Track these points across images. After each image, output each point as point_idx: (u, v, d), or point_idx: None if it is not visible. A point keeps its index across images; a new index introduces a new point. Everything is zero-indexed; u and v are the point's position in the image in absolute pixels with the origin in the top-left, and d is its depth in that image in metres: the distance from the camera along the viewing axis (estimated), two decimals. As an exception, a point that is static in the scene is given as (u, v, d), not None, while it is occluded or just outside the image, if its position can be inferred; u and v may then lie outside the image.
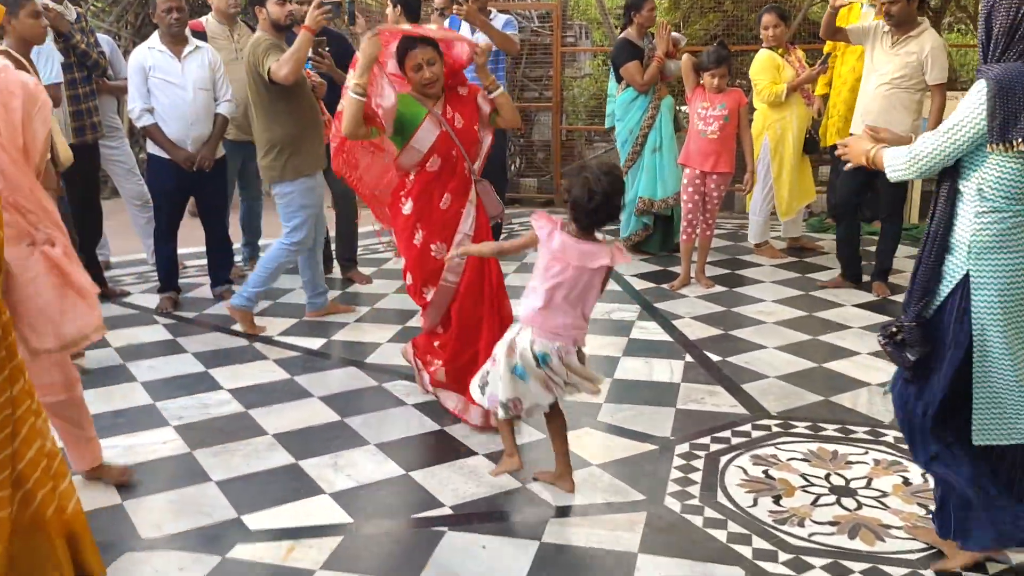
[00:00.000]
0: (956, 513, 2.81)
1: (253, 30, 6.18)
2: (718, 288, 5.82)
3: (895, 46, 5.34)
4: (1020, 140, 2.43)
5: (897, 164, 2.69)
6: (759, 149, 6.38)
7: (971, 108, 2.51)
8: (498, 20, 6.21)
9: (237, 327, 5.12)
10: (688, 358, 4.63)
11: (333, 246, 6.18)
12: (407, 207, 3.81)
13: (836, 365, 4.52)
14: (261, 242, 6.49)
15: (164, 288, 5.60)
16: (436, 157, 3.73)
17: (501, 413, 3.24)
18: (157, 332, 5.16)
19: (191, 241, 6.25)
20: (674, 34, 6.46)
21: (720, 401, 4.11)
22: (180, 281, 5.75)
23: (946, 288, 2.65)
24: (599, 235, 3.12)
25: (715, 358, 4.62)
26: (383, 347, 4.86)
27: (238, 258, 6.25)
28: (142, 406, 4.11)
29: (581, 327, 3.20)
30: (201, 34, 5.69)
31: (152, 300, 5.64)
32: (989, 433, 2.65)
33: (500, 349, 3.22)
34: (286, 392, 4.27)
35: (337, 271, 6.18)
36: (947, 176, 2.64)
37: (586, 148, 9.89)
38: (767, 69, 6.29)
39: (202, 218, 5.64)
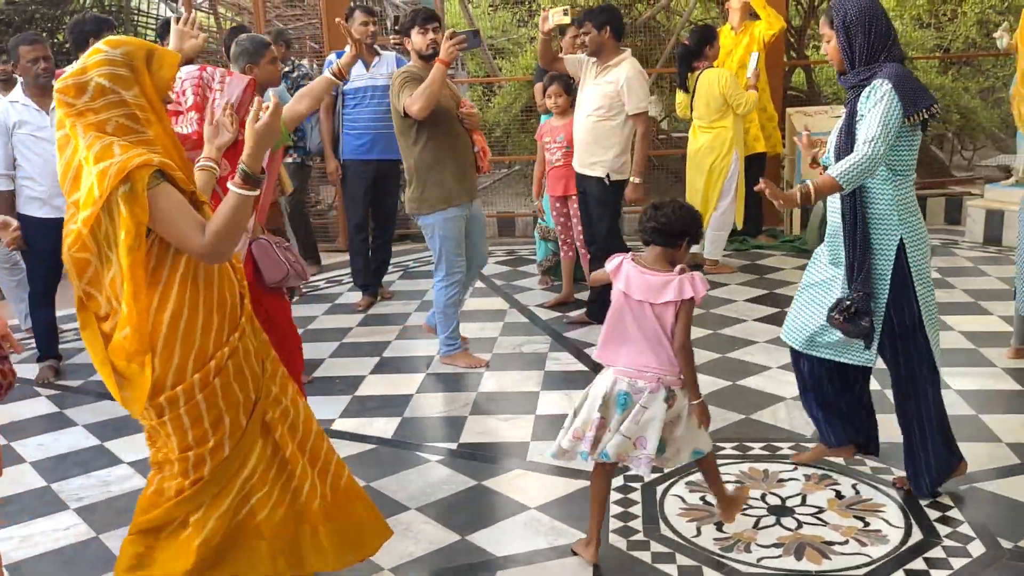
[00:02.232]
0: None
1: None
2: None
3: (597, 76, 5.28)
4: (922, 111, 3.08)
5: (851, 176, 3.04)
6: (728, 165, 6.49)
7: (888, 102, 3.05)
8: (388, 57, 6.15)
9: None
10: (607, 387, 4.59)
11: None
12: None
13: (750, 382, 4.57)
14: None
15: (44, 356, 5.21)
16: None
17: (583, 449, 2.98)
18: (41, 405, 4.78)
19: (65, 302, 5.85)
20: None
21: (646, 429, 4.07)
22: (60, 347, 5.37)
23: (888, 256, 3.19)
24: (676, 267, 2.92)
25: (633, 384, 4.59)
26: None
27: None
28: (35, 489, 3.78)
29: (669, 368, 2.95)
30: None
31: (31, 370, 5.24)
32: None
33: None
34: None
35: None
36: None
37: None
38: (735, 83, 6.45)
39: (80, 278, 5.29)
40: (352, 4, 6.50)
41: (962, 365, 4.67)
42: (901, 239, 3.17)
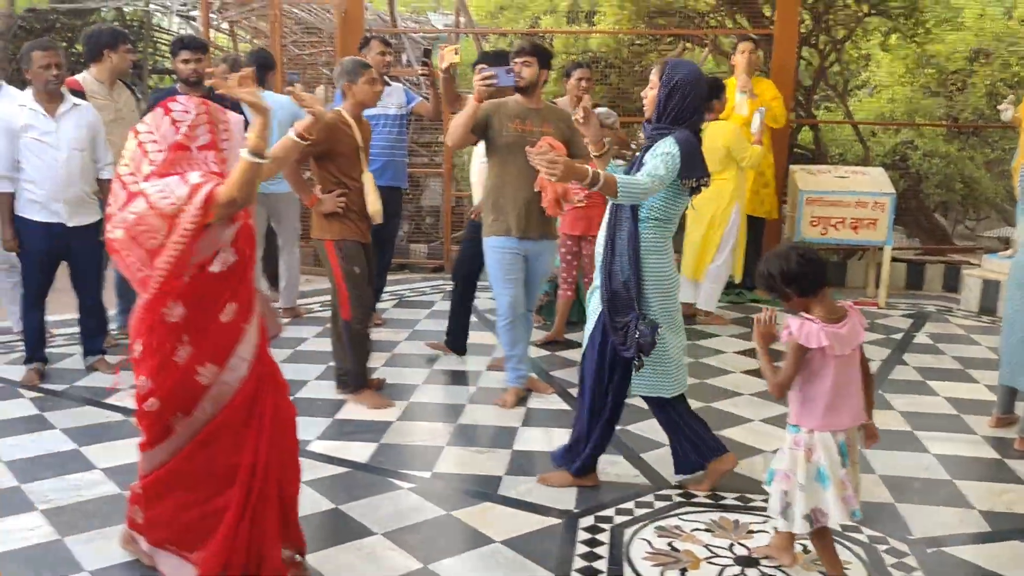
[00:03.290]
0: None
1: (132, 90, 5.99)
2: (611, 355, 5.82)
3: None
4: (693, 179, 3.61)
5: (629, 192, 3.44)
6: (728, 218, 6.53)
7: (673, 157, 3.53)
8: (397, 88, 6.24)
9: (110, 400, 4.81)
10: (587, 427, 4.58)
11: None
12: (175, 313, 2.79)
13: (732, 432, 4.56)
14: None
15: (31, 359, 5.22)
16: (231, 252, 2.85)
17: (800, 527, 3.06)
18: (22, 407, 4.78)
19: (57, 308, 5.88)
20: (601, 110, 6.21)
21: (621, 471, 4.07)
22: (47, 351, 5.38)
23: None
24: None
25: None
26: (310, 383, 4.62)
27: (112, 326, 5.91)
28: (5, 488, 3.77)
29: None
30: (78, 92, 5.43)
31: (17, 372, 5.25)
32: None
33: (792, 463, 3.07)
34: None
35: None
36: (625, 210, 3.62)
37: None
38: (739, 136, 6.51)
39: (74, 285, 5.32)
40: (367, 35, 6.61)
41: (943, 430, 4.66)
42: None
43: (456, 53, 5.03)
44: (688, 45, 9.28)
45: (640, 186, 3.46)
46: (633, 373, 3.75)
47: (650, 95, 3.66)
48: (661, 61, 3.73)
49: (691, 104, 3.61)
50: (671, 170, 3.52)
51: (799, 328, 2.98)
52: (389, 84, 6.24)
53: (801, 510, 3.03)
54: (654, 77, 3.66)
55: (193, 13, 10.09)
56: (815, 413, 3.04)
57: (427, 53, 6.30)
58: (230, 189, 2.72)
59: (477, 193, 5.74)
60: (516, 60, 4.72)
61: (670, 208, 3.67)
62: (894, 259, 7.87)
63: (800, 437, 3.07)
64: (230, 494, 2.83)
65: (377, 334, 6.20)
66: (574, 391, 5.12)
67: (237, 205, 2.75)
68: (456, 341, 5.77)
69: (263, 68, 6.09)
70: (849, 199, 7.36)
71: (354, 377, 4.90)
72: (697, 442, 3.86)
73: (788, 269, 3.00)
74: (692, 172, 3.58)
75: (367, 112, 6.02)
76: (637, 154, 3.72)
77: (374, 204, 4.80)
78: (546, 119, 4.80)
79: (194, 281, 2.76)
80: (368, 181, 4.81)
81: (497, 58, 4.98)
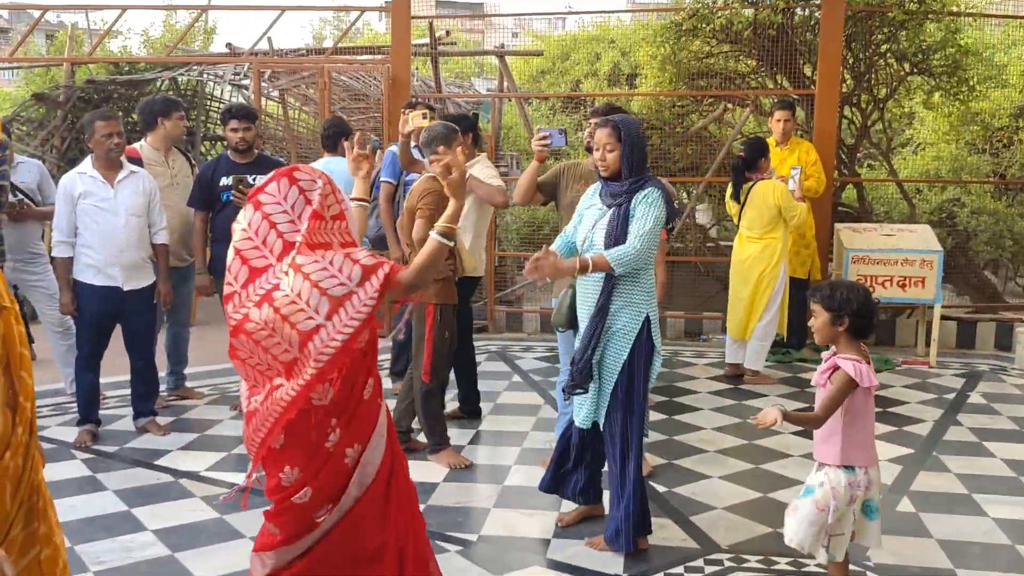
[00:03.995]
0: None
1: (186, 156, 6.17)
2: (657, 416, 5.79)
3: None
4: (672, 221, 3.81)
5: (626, 263, 3.64)
6: (776, 276, 6.53)
7: (659, 208, 3.71)
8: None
9: (160, 462, 4.87)
10: (634, 489, 4.54)
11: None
12: (327, 397, 2.58)
13: (781, 495, 4.48)
14: (189, 370, 6.28)
15: (84, 420, 5.32)
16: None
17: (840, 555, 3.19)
18: (75, 468, 4.86)
19: (110, 370, 5.99)
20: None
21: (670, 535, 4.01)
22: (100, 413, 5.48)
23: (633, 331, 3.75)
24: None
25: (661, 489, 4.54)
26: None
27: (163, 387, 6.01)
28: (58, 550, 3.81)
29: None
30: (136, 160, 5.61)
31: (70, 433, 5.34)
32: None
33: (827, 497, 3.12)
34: (215, 533, 4.02)
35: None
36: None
37: (519, 274, 9.95)
38: (788, 194, 6.54)
39: (127, 346, 5.43)
40: (412, 100, 6.74)
41: (1001, 493, 4.54)
42: (647, 316, 3.77)
43: (424, 118, 5.12)
44: (729, 106, 9.34)
45: (632, 254, 3.65)
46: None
47: (612, 156, 3.80)
48: (604, 121, 3.89)
49: (644, 152, 3.87)
50: (659, 219, 3.71)
51: (855, 368, 3.08)
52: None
53: (845, 542, 3.14)
54: (611, 140, 3.80)
55: (245, 82, 10.39)
56: (866, 450, 3.16)
57: (476, 118, 6.41)
58: (415, 273, 2.65)
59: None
60: (590, 122, 4.74)
61: (653, 250, 3.82)
62: (944, 317, 7.75)
63: (858, 479, 3.12)
64: (379, 570, 2.70)
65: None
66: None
67: (416, 289, 2.68)
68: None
69: (339, 135, 6.19)
70: (896, 257, 7.30)
71: (436, 436, 4.94)
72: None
73: (865, 303, 3.13)
74: (672, 217, 3.79)
75: (409, 176, 6.12)
76: (610, 209, 3.81)
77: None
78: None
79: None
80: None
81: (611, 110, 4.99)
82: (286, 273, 2.50)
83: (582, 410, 3.90)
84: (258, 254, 2.55)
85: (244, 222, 2.59)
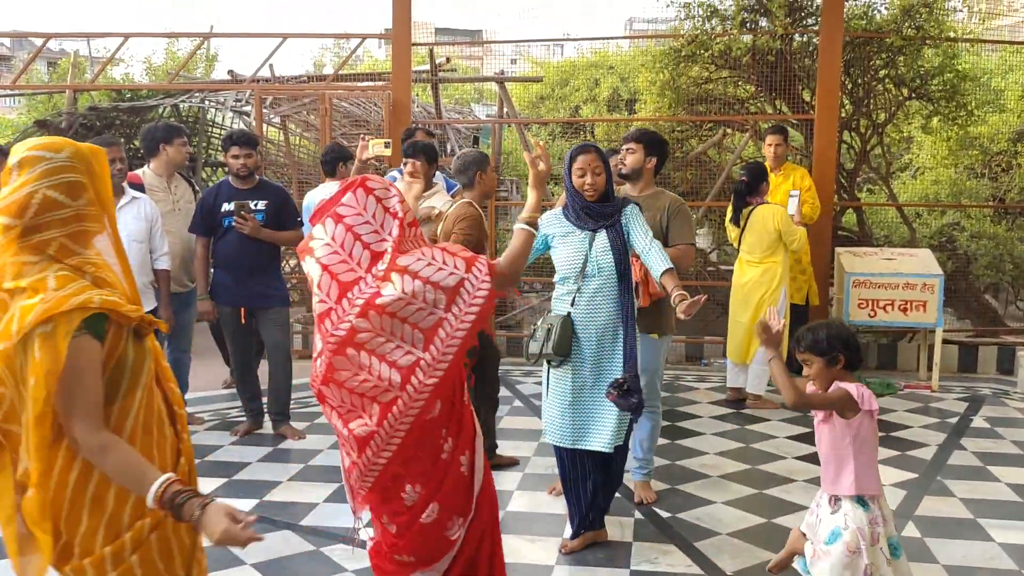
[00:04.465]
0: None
1: (189, 182, 6.19)
2: (660, 440, 5.75)
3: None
4: None
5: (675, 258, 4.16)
6: (776, 300, 6.52)
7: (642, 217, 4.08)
8: (437, 177, 6.35)
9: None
10: (638, 515, 4.52)
11: (265, 400, 5.98)
12: (436, 408, 2.58)
13: (785, 520, 4.46)
14: (189, 395, 6.26)
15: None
16: None
17: None
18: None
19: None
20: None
21: (675, 561, 3.98)
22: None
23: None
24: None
25: (664, 515, 4.52)
26: (319, 507, 4.63)
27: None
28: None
29: None
30: (138, 186, 5.63)
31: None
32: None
33: (856, 538, 3.03)
34: (215, 560, 3.97)
35: (268, 427, 5.95)
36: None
37: (519, 299, 9.95)
38: (788, 219, 6.56)
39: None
40: (413, 126, 6.79)
41: (1007, 518, 4.51)
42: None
43: (386, 147, 5.14)
44: (728, 131, 9.38)
45: (662, 249, 4.02)
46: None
47: (598, 180, 3.93)
48: (585, 146, 4.00)
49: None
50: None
51: (857, 390, 3.06)
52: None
53: None
54: (596, 162, 3.94)
55: (246, 108, 10.44)
56: (876, 477, 3.12)
57: (475, 141, 6.45)
58: (509, 262, 2.71)
59: None
60: (623, 148, 4.74)
61: None
62: (945, 341, 7.74)
63: (875, 515, 3.08)
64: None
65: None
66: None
67: (511, 280, 2.72)
68: None
69: (338, 160, 6.23)
70: (897, 281, 7.30)
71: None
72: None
73: (849, 335, 3.14)
74: None
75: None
76: (596, 232, 3.95)
77: None
78: (643, 207, 4.54)
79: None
80: None
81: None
82: (383, 279, 2.48)
83: (604, 433, 3.94)
84: (346, 267, 2.52)
85: (327, 236, 2.54)
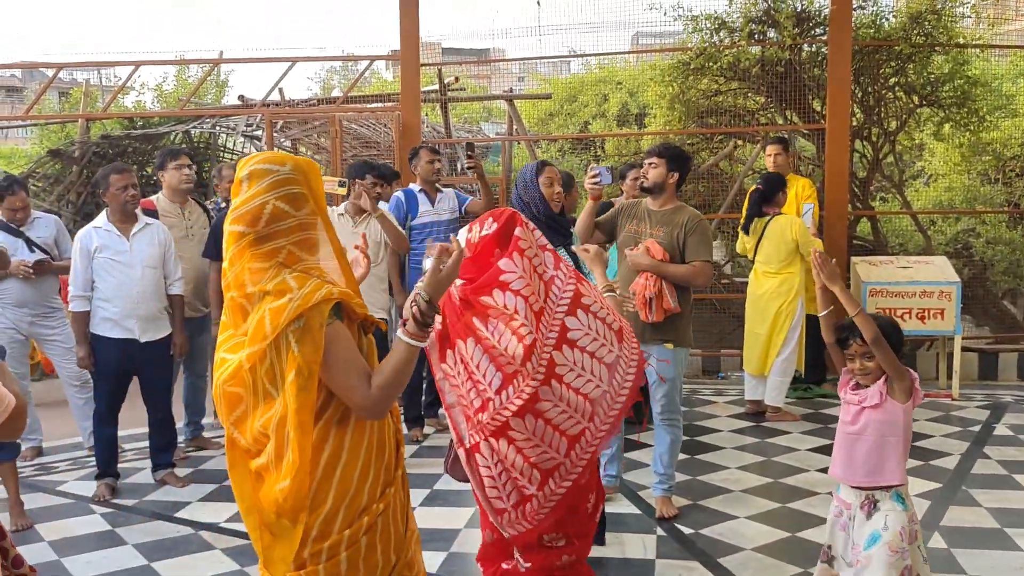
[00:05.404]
0: None
1: (204, 208, 6.21)
2: (680, 456, 5.70)
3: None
4: None
5: None
6: (794, 311, 6.48)
7: None
8: (449, 193, 6.35)
9: (180, 514, 4.81)
10: (660, 532, 4.47)
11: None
12: None
13: (810, 534, 4.40)
14: (205, 420, 6.26)
15: (102, 474, 5.28)
16: None
17: None
18: (94, 523, 4.82)
19: (127, 423, 5.96)
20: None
21: (699, 578, 3.94)
22: (118, 466, 5.44)
23: None
24: None
25: (687, 531, 4.47)
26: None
27: (180, 439, 5.98)
28: (78, 607, 3.77)
29: None
30: (152, 212, 5.65)
31: (89, 487, 5.31)
32: None
33: (898, 539, 3.01)
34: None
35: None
36: None
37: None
38: (806, 230, 6.53)
39: (145, 399, 5.41)
40: (421, 144, 6.79)
41: (1036, 527, 4.44)
42: None
43: (342, 186, 5.13)
44: (739, 143, 9.36)
45: None
46: None
47: (561, 192, 4.16)
48: (542, 164, 4.09)
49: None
50: None
51: (911, 375, 3.12)
52: (441, 191, 6.34)
53: None
54: (559, 175, 4.14)
55: (257, 133, 10.49)
56: (905, 471, 3.15)
57: (470, 147, 6.44)
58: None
59: None
60: (645, 162, 4.73)
61: None
62: (965, 348, 7.67)
63: (913, 512, 3.10)
64: None
65: (442, 439, 6.17)
66: (643, 493, 5.01)
67: None
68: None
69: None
70: (914, 289, 7.24)
71: None
72: None
73: (896, 325, 3.22)
74: None
75: (420, 220, 6.14)
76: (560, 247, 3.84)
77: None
78: (660, 222, 4.63)
79: None
80: None
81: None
82: (570, 313, 2.55)
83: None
84: (536, 299, 2.55)
85: (519, 269, 2.52)
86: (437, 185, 6.34)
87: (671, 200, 4.68)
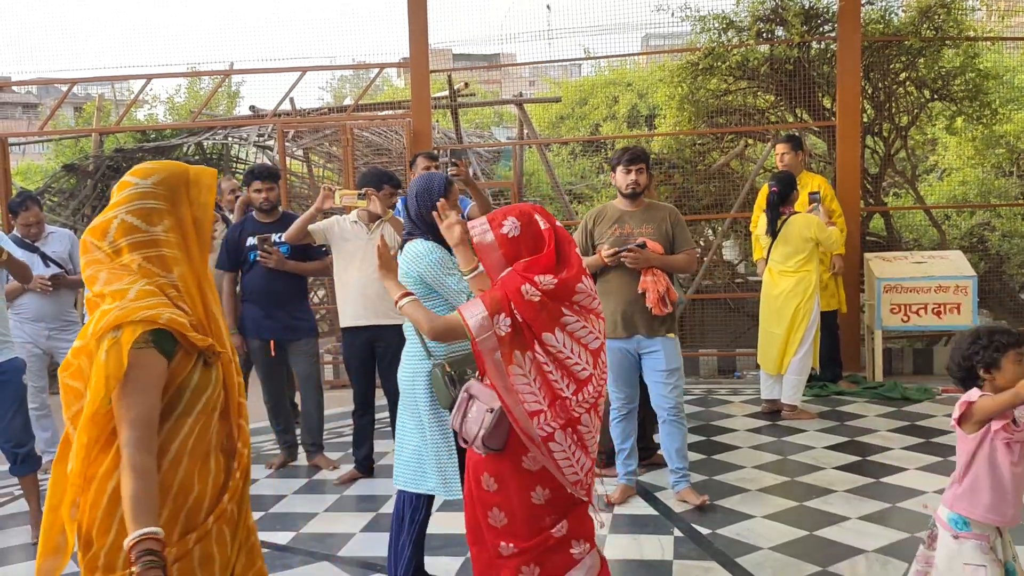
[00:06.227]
0: None
1: (225, 220, 6.25)
2: (696, 455, 5.70)
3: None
4: None
5: None
6: (811, 309, 6.46)
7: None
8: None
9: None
10: (677, 532, 4.47)
11: (298, 431, 5.99)
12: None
13: (827, 532, 4.39)
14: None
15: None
16: None
17: None
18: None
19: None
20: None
21: (716, 578, 3.93)
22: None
23: None
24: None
25: (704, 531, 4.46)
26: (356, 537, 4.62)
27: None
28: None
29: None
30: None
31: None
32: None
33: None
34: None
35: (303, 457, 5.96)
36: None
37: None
38: (823, 226, 6.51)
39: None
40: (434, 151, 6.80)
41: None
42: None
43: (360, 198, 5.07)
44: (750, 141, 9.35)
45: None
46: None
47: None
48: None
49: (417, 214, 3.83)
50: None
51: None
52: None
53: None
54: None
55: (269, 143, 10.55)
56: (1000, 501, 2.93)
57: (455, 155, 6.39)
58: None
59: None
60: (630, 167, 4.81)
61: None
62: (983, 343, 7.60)
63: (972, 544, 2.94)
64: None
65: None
66: (660, 494, 5.01)
67: None
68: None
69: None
70: (929, 284, 7.21)
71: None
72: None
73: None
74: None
75: None
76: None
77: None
78: (644, 220, 4.81)
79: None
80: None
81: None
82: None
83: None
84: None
85: (589, 287, 2.87)
86: None
87: (643, 199, 4.93)
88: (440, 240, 3.52)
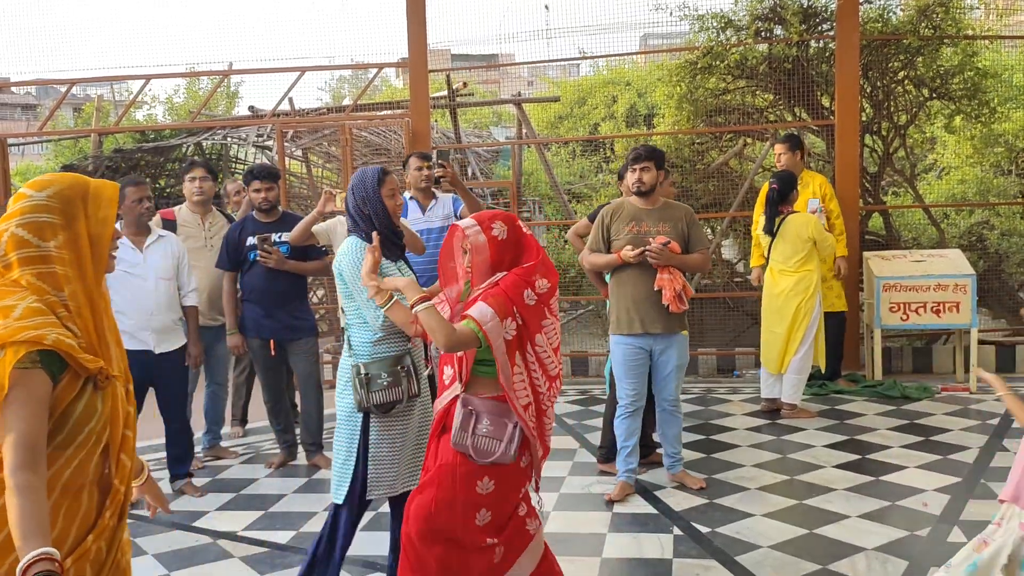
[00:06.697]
0: None
1: (227, 217, 6.25)
2: (696, 454, 5.70)
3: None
4: None
5: None
6: (812, 308, 6.47)
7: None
8: (445, 199, 6.28)
9: (198, 524, 4.85)
10: (676, 531, 4.47)
11: (298, 431, 6.00)
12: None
13: (827, 530, 4.39)
14: (224, 430, 6.30)
15: (121, 485, 5.31)
16: None
17: None
18: (114, 533, 4.85)
19: (144, 434, 6.01)
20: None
21: (716, 576, 3.93)
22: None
23: None
24: None
25: (704, 530, 4.46)
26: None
27: (198, 448, 6.01)
28: (99, 618, 3.79)
29: None
30: (170, 222, 5.73)
31: (108, 498, 5.35)
32: None
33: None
34: (256, 592, 3.99)
35: (302, 457, 5.96)
36: None
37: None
38: (821, 227, 6.52)
39: (161, 409, 5.45)
40: (433, 151, 6.79)
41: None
42: None
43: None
44: (749, 140, 9.35)
45: None
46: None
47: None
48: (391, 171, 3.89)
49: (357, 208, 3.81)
50: None
51: None
52: (436, 197, 6.18)
53: None
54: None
55: (268, 143, 10.56)
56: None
57: (441, 155, 6.39)
58: None
59: None
60: (635, 167, 4.88)
61: None
62: (982, 342, 7.63)
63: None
64: None
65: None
66: (660, 493, 5.01)
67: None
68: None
69: None
70: (928, 283, 7.21)
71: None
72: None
73: None
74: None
75: (416, 227, 5.90)
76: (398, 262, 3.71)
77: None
78: (661, 219, 4.91)
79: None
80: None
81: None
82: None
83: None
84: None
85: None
86: (434, 191, 6.19)
87: (659, 198, 5.00)
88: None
